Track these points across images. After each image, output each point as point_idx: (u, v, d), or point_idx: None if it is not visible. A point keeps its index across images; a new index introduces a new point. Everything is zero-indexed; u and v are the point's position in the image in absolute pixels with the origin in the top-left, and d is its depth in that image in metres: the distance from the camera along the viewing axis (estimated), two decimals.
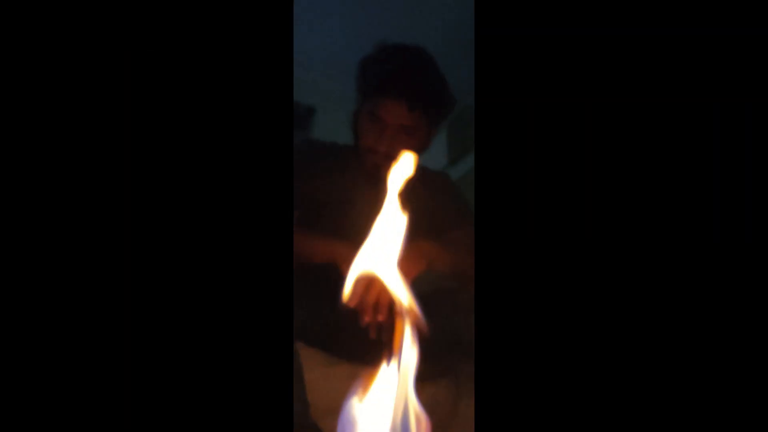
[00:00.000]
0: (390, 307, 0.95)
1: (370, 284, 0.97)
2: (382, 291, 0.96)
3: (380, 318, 0.94)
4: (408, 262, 1.05)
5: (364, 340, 0.97)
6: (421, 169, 1.28)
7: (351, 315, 0.98)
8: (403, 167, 0.57)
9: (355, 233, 1.15)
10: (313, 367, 1.07)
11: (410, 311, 0.50)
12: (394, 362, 0.50)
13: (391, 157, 1.17)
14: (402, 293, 0.52)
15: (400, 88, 1.14)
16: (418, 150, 1.21)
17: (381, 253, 0.55)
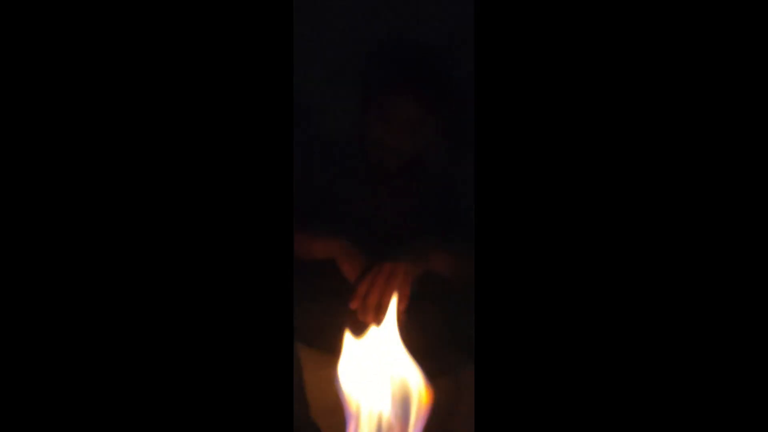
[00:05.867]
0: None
1: (371, 285, 0.97)
2: (384, 291, 0.96)
3: (382, 317, 0.94)
4: (408, 263, 1.05)
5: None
6: (421, 169, 1.29)
7: (351, 314, 0.98)
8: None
9: (354, 232, 1.15)
10: (313, 367, 1.07)
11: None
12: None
13: (397, 152, 1.17)
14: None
15: (408, 83, 1.14)
16: (424, 146, 1.21)
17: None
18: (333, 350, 1.11)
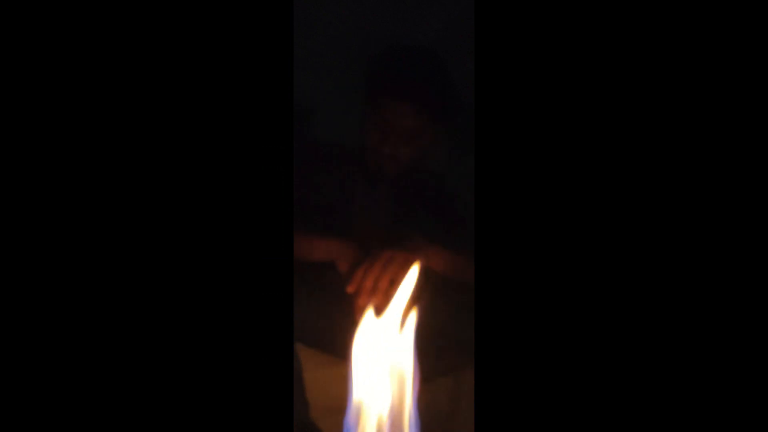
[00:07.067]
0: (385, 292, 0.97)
1: (368, 269, 0.98)
2: (380, 276, 0.97)
3: (375, 301, 0.94)
4: (407, 253, 1.05)
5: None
6: (421, 171, 1.29)
7: (351, 314, 0.98)
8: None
9: (354, 233, 1.15)
10: (313, 367, 1.07)
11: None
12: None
13: (395, 159, 1.17)
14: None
15: (408, 90, 1.13)
16: (422, 152, 1.21)
17: None
18: (333, 351, 1.11)
